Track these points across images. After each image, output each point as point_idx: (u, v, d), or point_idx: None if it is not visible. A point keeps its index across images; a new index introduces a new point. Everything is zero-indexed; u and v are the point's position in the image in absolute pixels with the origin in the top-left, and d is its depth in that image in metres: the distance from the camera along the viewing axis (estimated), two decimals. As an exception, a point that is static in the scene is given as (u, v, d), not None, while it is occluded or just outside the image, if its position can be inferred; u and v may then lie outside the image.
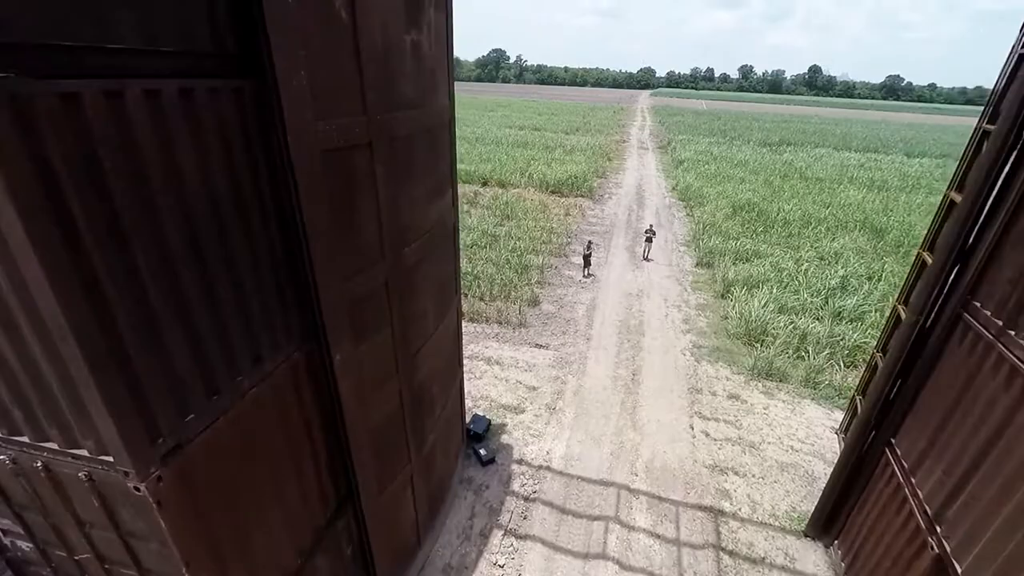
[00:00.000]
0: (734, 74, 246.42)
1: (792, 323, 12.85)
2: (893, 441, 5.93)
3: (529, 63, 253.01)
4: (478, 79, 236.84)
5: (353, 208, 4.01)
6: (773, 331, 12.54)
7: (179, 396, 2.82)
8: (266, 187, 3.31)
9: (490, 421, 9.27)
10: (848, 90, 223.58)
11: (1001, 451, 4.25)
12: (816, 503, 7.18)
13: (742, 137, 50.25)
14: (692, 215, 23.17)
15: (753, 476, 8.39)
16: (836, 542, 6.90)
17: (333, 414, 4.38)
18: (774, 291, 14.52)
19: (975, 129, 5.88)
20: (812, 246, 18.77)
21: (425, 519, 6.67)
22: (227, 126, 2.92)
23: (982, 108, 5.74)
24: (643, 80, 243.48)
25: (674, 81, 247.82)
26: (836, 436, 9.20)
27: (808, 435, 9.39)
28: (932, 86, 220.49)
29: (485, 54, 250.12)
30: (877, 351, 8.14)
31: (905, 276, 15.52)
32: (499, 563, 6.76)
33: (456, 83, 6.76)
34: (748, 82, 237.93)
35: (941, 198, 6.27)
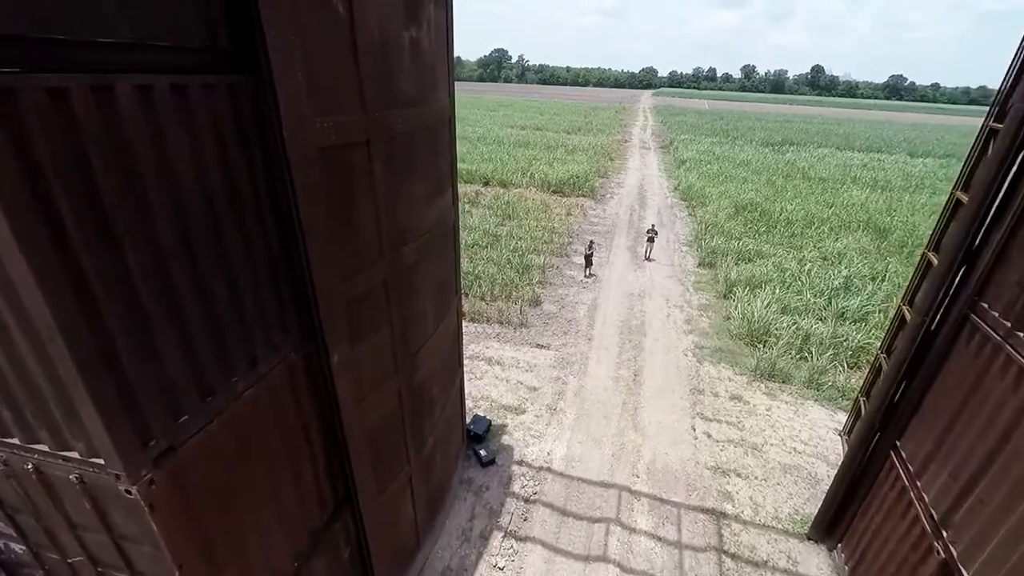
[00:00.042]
0: (737, 74, 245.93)
1: (795, 324, 12.77)
2: (898, 443, 5.86)
3: (531, 63, 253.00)
4: (480, 79, 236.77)
5: (351, 207, 3.96)
6: (776, 332, 12.46)
7: (172, 397, 2.77)
8: (262, 185, 3.26)
9: (491, 422, 9.21)
10: (851, 90, 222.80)
11: (1009, 454, 4.17)
12: (819, 506, 7.11)
13: (744, 137, 50.09)
14: (694, 215, 23.07)
15: (755, 478, 8.32)
16: (840, 545, 6.83)
17: (331, 415, 4.33)
18: (777, 291, 14.43)
19: (981, 128, 5.81)
20: (815, 246, 18.67)
21: (424, 521, 6.62)
22: (221, 123, 2.87)
23: (986, 108, 5.67)
24: (645, 80, 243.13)
25: (676, 81, 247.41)
26: (839, 438, 9.12)
27: (811, 437, 9.31)
28: (936, 86, 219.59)
29: (487, 53, 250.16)
30: (881, 352, 8.07)
31: (909, 277, 15.44)
32: (499, 565, 6.71)
33: (458, 83, 6.71)
34: (751, 82, 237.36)
35: (946, 198, 6.19)
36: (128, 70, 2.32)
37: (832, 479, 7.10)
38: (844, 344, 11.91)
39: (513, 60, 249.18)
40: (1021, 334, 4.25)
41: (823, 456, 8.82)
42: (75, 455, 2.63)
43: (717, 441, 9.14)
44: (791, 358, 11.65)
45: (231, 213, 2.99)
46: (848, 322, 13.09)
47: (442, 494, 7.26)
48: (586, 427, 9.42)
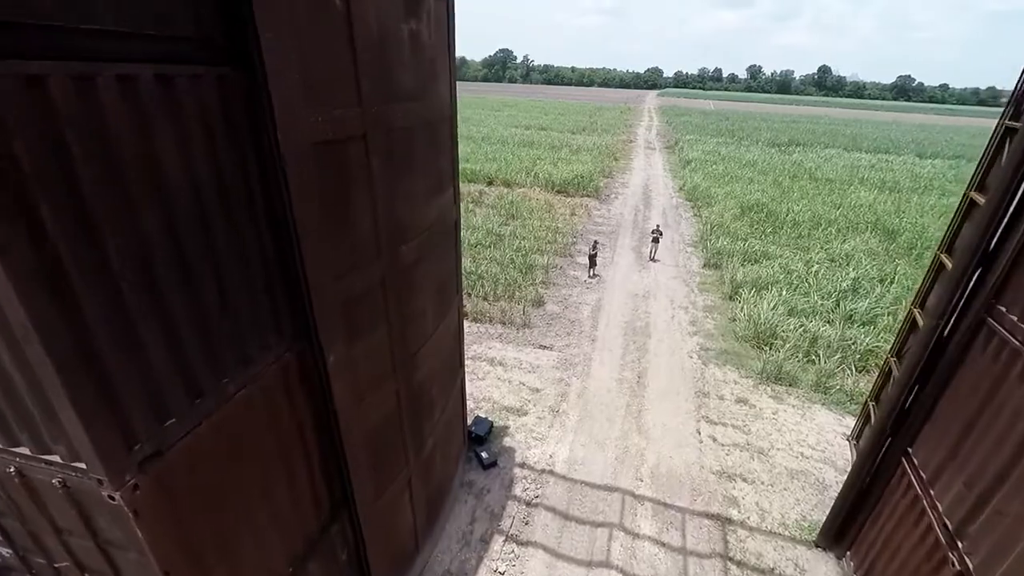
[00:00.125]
0: (742, 74, 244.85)
1: (802, 326, 12.58)
2: (910, 450, 5.70)
3: (536, 63, 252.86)
4: (485, 79, 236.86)
5: (347, 203, 3.85)
6: (782, 334, 12.28)
7: (158, 400, 2.67)
8: (255, 180, 3.16)
9: (492, 423, 9.10)
10: (858, 91, 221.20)
11: (1029, 464, 4.02)
12: (828, 512, 6.95)
13: (750, 137, 49.77)
14: (699, 215, 22.88)
15: (762, 483, 8.16)
16: (849, 553, 6.67)
17: (327, 417, 4.23)
18: (783, 293, 14.25)
19: (996, 127, 5.66)
20: (822, 247, 18.45)
21: (424, 524, 6.51)
22: (211, 116, 2.77)
23: (995, 109, 5.53)
24: (650, 80, 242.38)
25: (681, 81, 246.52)
26: (848, 443, 8.95)
27: (819, 441, 9.14)
28: (944, 86, 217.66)
29: (492, 54, 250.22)
30: (891, 356, 7.90)
31: (919, 279, 15.22)
32: (500, 570, 6.59)
33: (463, 83, 6.66)
34: (756, 82, 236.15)
35: (957, 199, 6.04)
36: (111, 59, 2.22)
37: (840, 485, 6.95)
38: (852, 347, 11.72)
39: (518, 60, 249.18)
40: (1041, 339, 4.10)
41: (831, 461, 8.65)
42: (57, 459, 2.53)
43: (723, 445, 8.99)
44: (798, 361, 11.47)
45: (221, 208, 2.89)
46: (856, 325, 12.89)
47: (442, 497, 7.15)
48: (589, 429, 9.29)
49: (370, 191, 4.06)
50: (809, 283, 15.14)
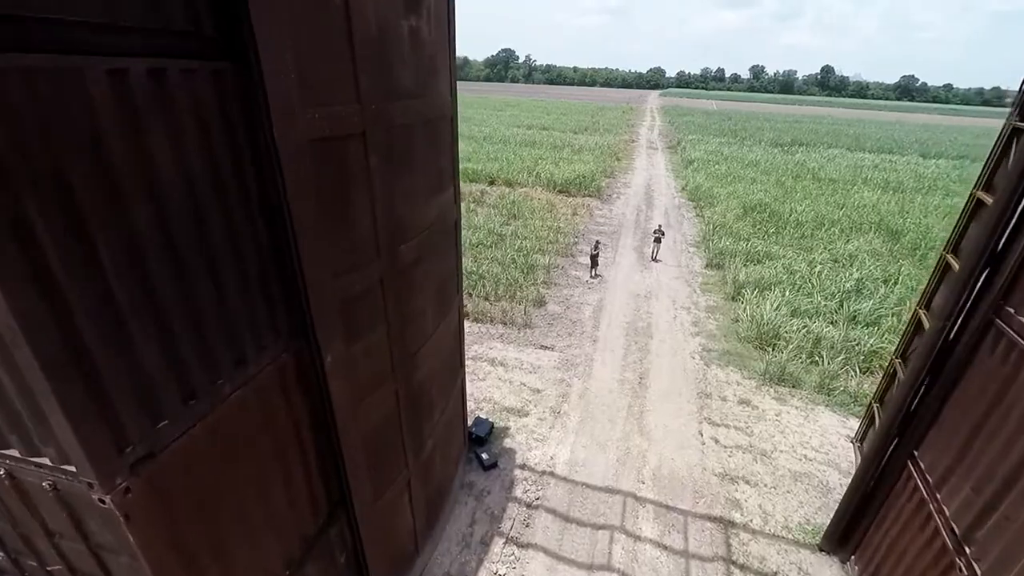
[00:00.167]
0: (745, 74, 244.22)
1: (805, 327, 12.49)
2: (916, 453, 5.62)
3: (538, 63, 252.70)
4: (487, 79, 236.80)
5: (345, 202, 3.80)
6: (785, 335, 12.19)
7: (150, 401, 2.62)
8: (251, 178, 3.11)
9: (493, 424, 9.04)
10: (861, 91, 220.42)
11: (1038, 468, 3.94)
12: (832, 516, 6.87)
13: (753, 137, 49.61)
14: (702, 215, 22.79)
15: (765, 486, 8.09)
16: (853, 557, 6.59)
17: (324, 417, 4.18)
18: (786, 294, 14.15)
19: (1003, 126, 5.59)
20: (826, 248, 18.34)
21: (423, 526, 6.45)
22: (205, 111, 2.72)
23: (999, 109, 5.45)
24: (653, 80, 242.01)
25: (684, 81, 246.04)
26: (852, 445, 8.87)
27: (822, 443, 9.06)
28: (948, 87, 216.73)
29: (494, 54, 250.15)
30: (896, 357, 7.82)
31: (922, 279, 15.14)
32: (500, 572, 6.53)
33: (465, 83, 6.65)
34: (759, 82, 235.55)
35: (961, 199, 5.98)
36: (101, 52, 2.17)
37: (844, 488, 6.87)
38: (856, 348, 11.62)
39: (520, 60, 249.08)
40: (1052, 341, 4.02)
41: (835, 464, 8.57)
42: (46, 462, 2.48)
43: (725, 447, 8.91)
44: (801, 362, 11.39)
45: (215, 205, 2.84)
46: (860, 326, 12.79)
47: (442, 498, 7.10)
48: (590, 431, 9.23)
49: (369, 189, 4.01)
50: (812, 283, 15.04)
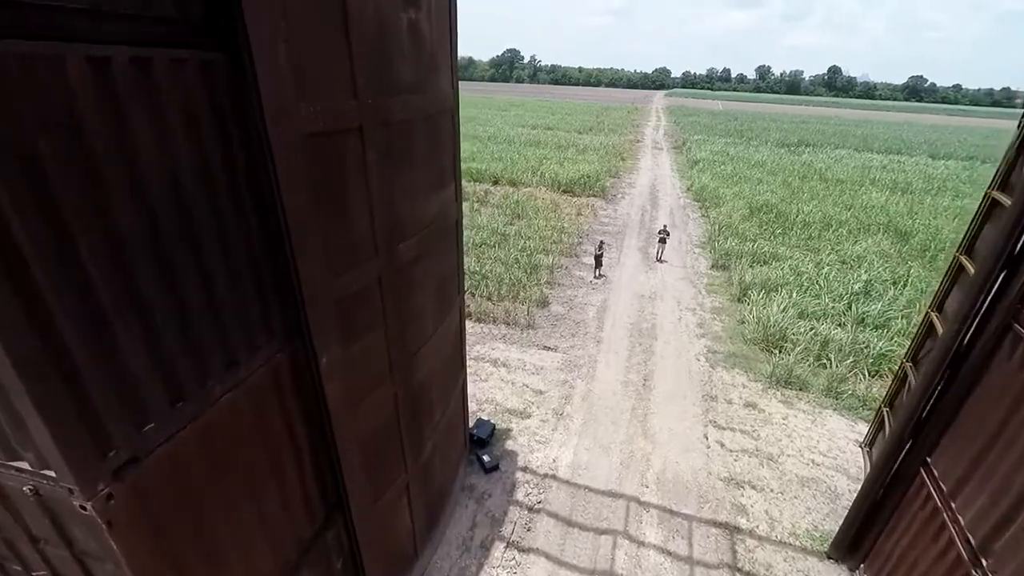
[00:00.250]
0: (751, 75, 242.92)
1: (813, 329, 12.30)
2: (929, 460, 5.45)
3: (543, 63, 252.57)
4: (492, 79, 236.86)
5: (341, 198, 3.70)
6: (793, 337, 12.01)
7: (135, 404, 2.52)
8: (242, 173, 3.01)
9: (495, 426, 8.93)
10: (869, 91, 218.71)
11: (1060, 479, 3.79)
12: (840, 522, 6.71)
13: (759, 138, 49.26)
14: (707, 216, 22.59)
15: (771, 491, 7.93)
16: (863, 566, 6.43)
17: (320, 420, 4.08)
18: (793, 295, 13.96)
19: (1019, 125, 5.44)
20: (833, 249, 18.11)
21: (423, 529, 6.35)
22: (194, 103, 2.62)
23: (1010, 110, 5.32)
24: (658, 80, 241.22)
25: (689, 81, 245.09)
26: (860, 450, 8.70)
27: (830, 448, 8.88)
28: (957, 87, 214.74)
29: (499, 54, 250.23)
30: (906, 361, 7.66)
31: (933, 281, 14.90)
32: (500, 578, 6.42)
33: (470, 83, 6.55)
34: (765, 83, 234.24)
35: (971, 201, 5.85)
36: (81, 39, 2.07)
37: (853, 494, 6.72)
38: (865, 351, 11.43)
39: (525, 60, 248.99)
40: (1075, 346, 3.86)
41: (843, 469, 8.39)
42: (26, 466, 2.39)
43: (731, 451, 8.76)
44: (809, 365, 11.21)
45: (205, 201, 2.74)
46: (869, 328, 12.59)
47: (442, 501, 6.99)
48: (593, 433, 9.10)
49: (366, 186, 3.91)
50: (820, 285, 14.84)
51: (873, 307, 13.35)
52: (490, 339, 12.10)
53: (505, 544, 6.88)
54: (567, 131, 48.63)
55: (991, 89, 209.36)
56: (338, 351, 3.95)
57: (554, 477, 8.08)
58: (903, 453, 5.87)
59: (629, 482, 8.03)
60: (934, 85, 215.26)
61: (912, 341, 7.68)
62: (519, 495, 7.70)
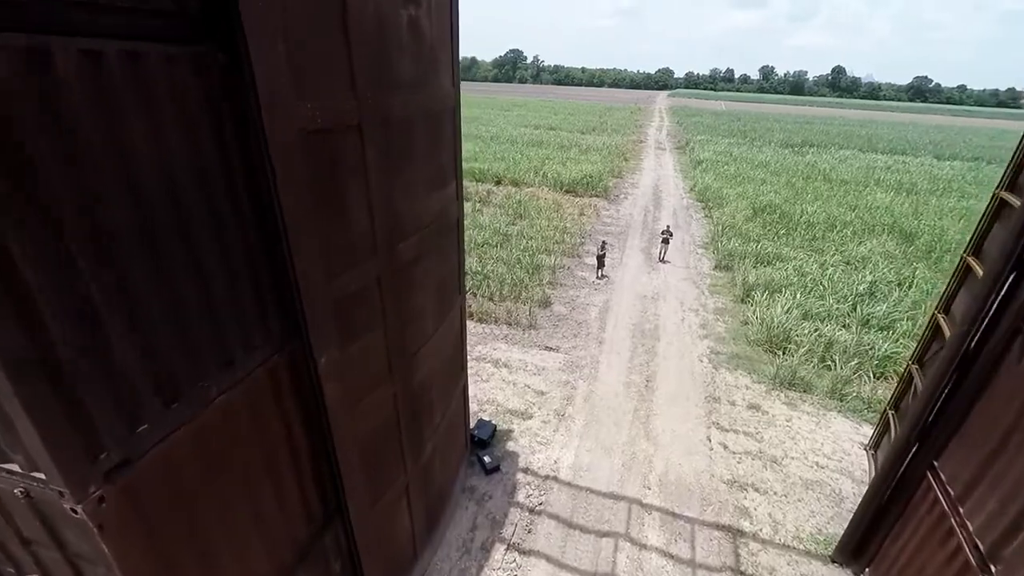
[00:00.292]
0: (755, 75, 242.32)
1: (817, 330, 12.20)
2: (936, 464, 5.37)
3: (546, 64, 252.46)
4: (495, 79, 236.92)
5: (340, 197, 3.65)
6: (797, 338, 11.91)
7: (128, 405, 2.47)
8: (239, 170, 2.96)
9: (496, 427, 8.88)
10: (873, 92, 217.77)
11: (1072, 484, 3.71)
12: (845, 526, 6.63)
13: (763, 138, 49.07)
14: (711, 216, 22.48)
15: (775, 493, 7.85)
16: (868, 570, 6.35)
17: (318, 421, 4.03)
18: (797, 296, 13.86)
19: (1030, 123, 5.34)
20: (837, 250, 17.99)
21: (423, 531, 6.30)
22: (189, 99, 2.57)
23: (1016, 110, 5.23)
24: (661, 81, 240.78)
25: (693, 82, 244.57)
26: (865, 452, 8.61)
27: (835, 450, 8.79)
28: (962, 87, 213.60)
29: (502, 54, 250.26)
30: (912, 363, 7.58)
31: (939, 283, 14.78)
32: (500, 580, 6.36)
33: (473, 83, 6.47)
34: (769, 83, 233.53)
35: (977, 201, 5.77)
36: (70, 31, 2.03)
37: (858, 497, 6.64)
38: (870, 353, 11.32)
39: (528, 61, 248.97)
40: (1087, 348, 3.78)
41: (848, 472, 8.30)
42: (16, 469, 2.35)
43: (734, 453, 8.68)
44: (813, 366, 11.11)
45: (200, 198, 2.69)
46: (874, 330, 12.48)
47: (442, 503, 6.94)
48: (595, 434, 9.03)
49: (365, 184, 3.86)
50: (824, 286, 14.73)
51: (878, 308, 13.24)
52: (492, 339, 12.04)
53: (506, 546, 6.82)
54: (570, 131, 48.55)
55: (996, 90, 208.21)
56: (336, 351, 3.90)
57: (555, 479, 8.02)
58: (909, 456, 5.79)
59: (631, 484, 7.96)
60: (939, 85, 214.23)
61: (918, 343, 7.59)
62: (520, 497, 7.64)
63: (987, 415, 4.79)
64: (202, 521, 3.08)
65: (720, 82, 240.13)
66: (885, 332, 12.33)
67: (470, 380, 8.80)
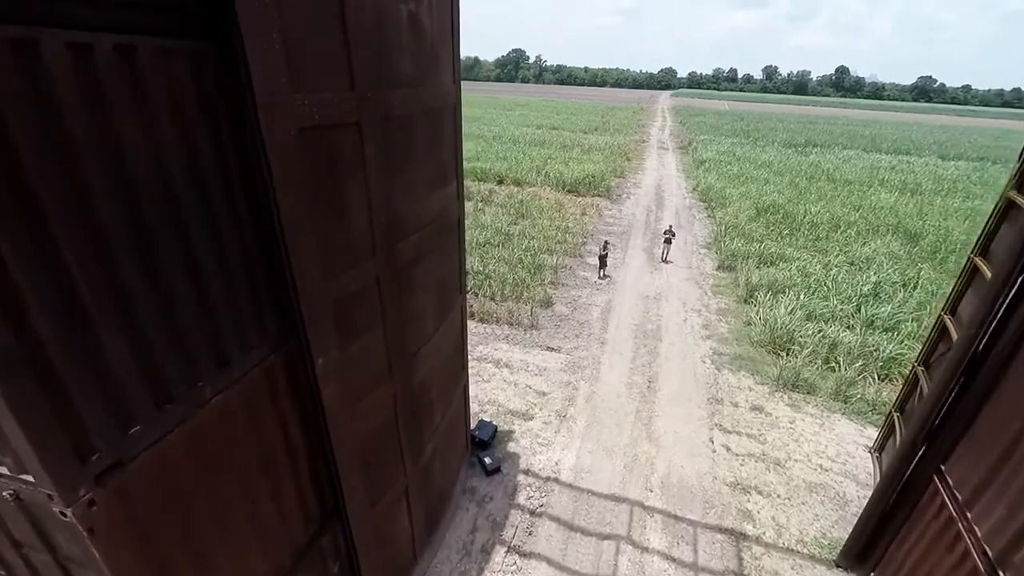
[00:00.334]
0: (758, 75, 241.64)
1: (821, 331, 12.10)
2: (943, 468, 5.29)
3: (549, 63, 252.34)
4: (498, 79, 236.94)
5: (338, 195, 3.60)
6: (800, 339, 11.81)
7: (120, 406, 2.42)
8: (234, 168, 2.91)
9: (496, 427, 8.82)
10: (877, 92, 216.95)
11: (1084, 490, 3.63)
12: (850, 530, 6.55)
13: (766, 138, 48.89)
14: (713, 216, 22.38)
15: (778, 496, 7.77)
16: (872, 575, 6.26)
17: (316, 422, 3.98)
18: (801, 297, 13.76)
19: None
20: (841, 250, 17.87)
21: (422, 533, 6.25)
22: (183, 96, 2.52)
23: (1020, 110, 5.13)
24: (664, 80, 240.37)
25: (696, 82, 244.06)
26: (870, 455, 8.52)
27: (839, 453, 8.71)
28: (967, 87, 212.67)
29: (505, 54, 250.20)
30: (918, 364, 7.49)
31: (943, 284, 14.65)
32: (501, 583, 6.31)
33: (475, 83, 6.44)
34: (772, 83, 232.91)
35: (983, 202, 5.69)
36: (59, 24, 1.98)
37: (863, 500, 6.56)
38: (874, 354, 11.22)
39: (531, 60, 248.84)
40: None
41: (852, 475, 8.22)
42: (4, 471, 2.30)
43: (737, 455, 8.60)
44: (817, 368, 11.02)
45: (193, 196, 2.65)
46: (878, 331, 12.37)
47: (442, 504, 6.89)
48: (597, 436, 8.96)
49: (364, 183, 3.81)
50: (828, 287, 14.63)
51: (882, 309, 13.13)
52: (493, 339, 11.99)
53: (506, 548, 6.77)
54: (572, 131, 48.46)
55: (1001, 90, 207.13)
56: (335, 351, 3.85)
57: (557, 480, 7.96)
58: (916, 460, 5.71)
59: (633, 486, 7.89)
60: (943, 86, 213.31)
61: (924, 345, 7.50)
62: (521, 498, 7.58)
63: (996, 419, 4.71)
64: (197, 524, 3.03)
65: (723, 82, 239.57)
66: (890, 333, 12.22)
67: (471, 380, 8.75)
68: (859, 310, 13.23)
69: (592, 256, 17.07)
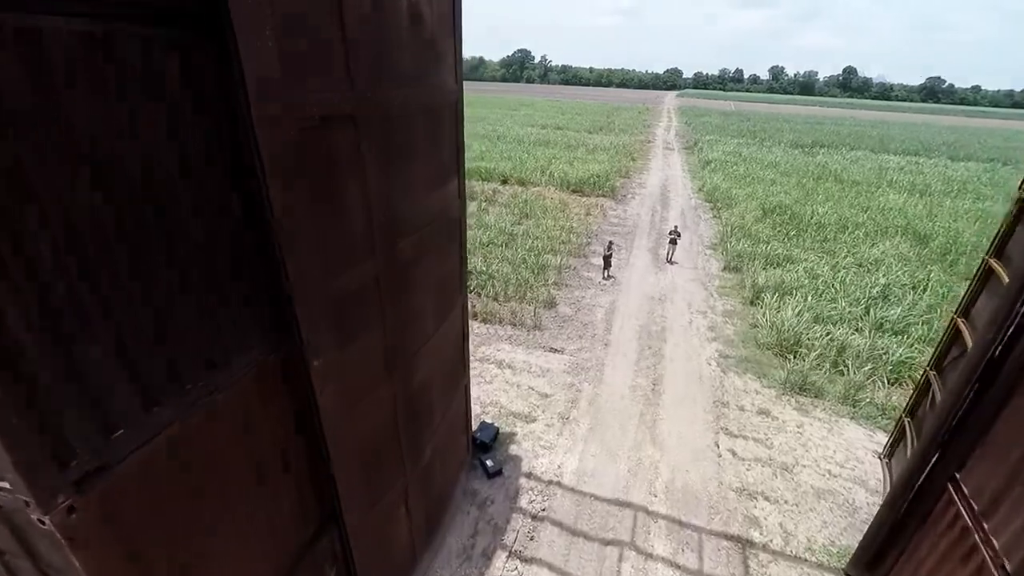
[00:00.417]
0: (764, 75, 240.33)
1: (829, 334, 11.90)
2: (958, 476, 5.12)
3: (554, 63, 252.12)
4: (503, 79, 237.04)
5: (335, 194, 3.50)
6: (808, 342, 11.62)
7: (103, 409, 2.33)
8: (225, 164, 2.82)
9: (498, 429, 8.70)
10: (885, 92, 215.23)
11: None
12: (859, 538, 6.38)
13: (773, 138, 48.52)
14: (719, 217, 22.17)
15: (786, 503, 7.61)
16: (883, 585, 6.10)
17: (312, 424, 3.88)
18: (808, 299, 13.56)
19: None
20: (849, 252, 17.62)
21: (422, 536, 6.15)
22: (168, 87, 2.43)
23: None
24: (670, 81, 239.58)
25: (701, 82, 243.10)
26: (879, 461, 8.35)
27: (847, 458, 8.53)
28: (976, 88, 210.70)
29: (510, 54, 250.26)
30: (929, 368, 7.33)
31: (953, 286, 14.40)
32: (501, 588, 6.20)
33: (481, 83, 6.34)
34: (779, 83, 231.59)
35: (994, 203, 5.52)
36: (38, 10, 1.88)
37: (872, 507, 6.40)
38: (884, 357, 11.01)
39: (536, 61, 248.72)
40: None
41: (861, 481, 8.04)
42: (-19, 476, 2.21)
43: (743, 459, 8.45)
44: (825, 371, 10.83)
45: (181, 192, 2.55)
46: (888, 334, 12.16)
47: (442, 507, 6.79)
48: (600, 439, 8.83)
49: (362, 182, 3.71)
50: (836, 288, 14.42)
51: (892, 312, 12.91)
52: (495, 340, 11.88)
53: (507, 553, 6.65)
54: (577, 131, 48.29)
55: (1011, 90, 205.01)
56: (332, 352, 3.75)
57: (559, 484, 7.83)
58: (929, 467, 5.54)
59: (637, 491, 7.75)
60: (952, 86, 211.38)
61: (936, 348, 7.34)
62: (523, 502, 7.47)
63: (1014, 425, 4.55)
64: (186, 530, 2.93)
65: (729, 82, 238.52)
66: (899, 336, 12.01)
67: (473, 381, 8.65)
68: (868, 312, 13.02)
69: (596, 256, 16.93)
